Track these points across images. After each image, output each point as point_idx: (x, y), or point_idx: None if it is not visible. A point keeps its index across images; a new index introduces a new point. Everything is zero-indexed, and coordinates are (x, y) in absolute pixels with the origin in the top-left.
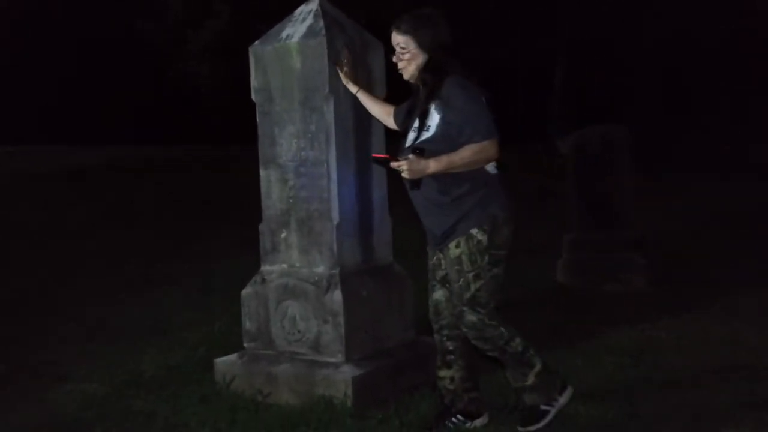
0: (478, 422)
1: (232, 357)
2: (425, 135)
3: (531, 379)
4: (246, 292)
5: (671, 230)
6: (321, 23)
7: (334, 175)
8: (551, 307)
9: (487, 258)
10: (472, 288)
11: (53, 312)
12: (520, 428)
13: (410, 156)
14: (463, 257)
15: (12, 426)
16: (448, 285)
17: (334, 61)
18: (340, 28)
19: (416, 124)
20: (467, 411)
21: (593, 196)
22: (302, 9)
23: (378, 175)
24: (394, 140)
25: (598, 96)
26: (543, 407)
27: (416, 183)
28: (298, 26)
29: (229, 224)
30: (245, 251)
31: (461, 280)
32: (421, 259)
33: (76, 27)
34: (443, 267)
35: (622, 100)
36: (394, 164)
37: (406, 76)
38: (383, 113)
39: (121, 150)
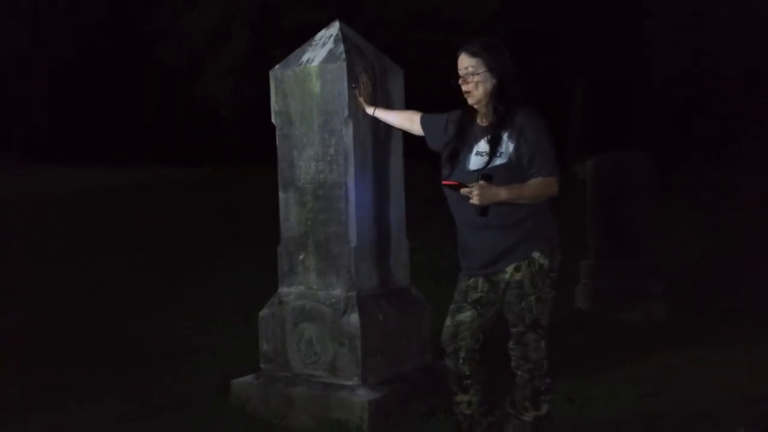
0: None
1: (249, 378)
2: (498, 161)
3: (528, 417)
4: (263, 313)
5: (690, 257)
6: (341, 48)
7: (352, 198)
8: (569, 333)
9: (548, 281)
10: (535, 311)
11: (68, 332)
12: None
13: (481, 182)
14: (525, 281)
15: None
16: (479, 307)
17: (351, 85)
18: (360, 52)
19: (484, 148)
20: None
21: (612, 222)
22: (323, 33)
23: (396, 198)
24: (411, 163)
25: (616, 122)
26: None
27: (485, 210)
28: (318, 51)
29: (247, 245)
30: (263, 272)
31: (523, 302)
32: (439, 283)
33: (96, 47)
34: (480, 289)
35: (641, 127)
36: (465, 190)
37: (471, 100)
38: (405, 120)
39: (138, 171)
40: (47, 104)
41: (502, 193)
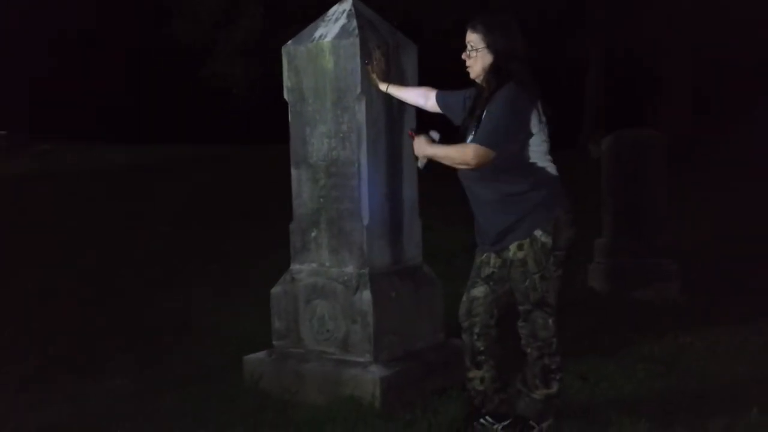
0: (506, 423)
1: (261, 355)
2: None
3: (539, 395)
4: (275, 290)
5: (705, 236)
6: (354, 23)
7: (364, 176)
8: (583, 312)
9: (552, 259)
10: (540, 289)
11: (84, 309)
12: (490, 420)
13: (421, 136)
14: (528, 259)
15: (41, 422)
16: (492, 283)
17: (364, 61)
18: (373, 28)
19: (475, 123)
20: (498, 413)
21: (626, 200)
22: (335, 9)
23: (409, 176)
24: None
25: (630, 100)
26: (531, 423)
27: (426, 165)
28: (331, 26)
29: (259, 223)
30: (275, 250)
31: (527, 281)
32: (452, 262)
33: (109, 26)
34: (492, 265)
35: (655, 104)
36: (411, 138)
37: (472, 74)
38: (419, 96)
39: (151, 149)
40: (58, 82)
41: (429, 150)
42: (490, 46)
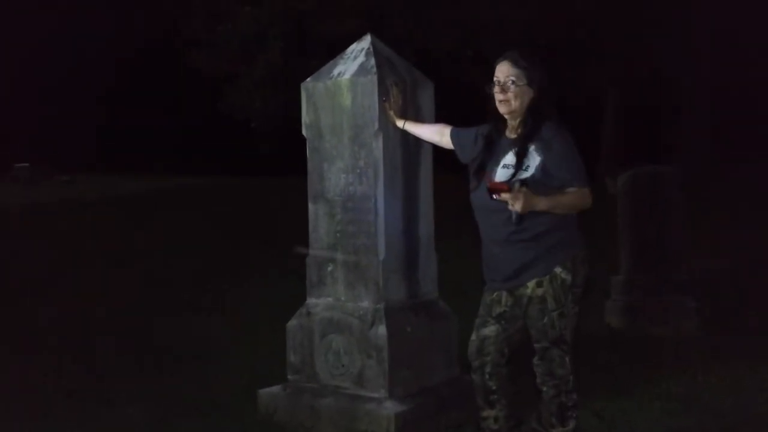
0: None
1: (276, 389)
2: (524, 174)
3: None
4: (291, 324)
5: (724, 273)
6: (372, 61)
7: (381, 211)
8: (600, 348)
9: (570, 296)
10: (558, 326)
11: (98, 336)
12: None
13: (524, 189)
14: (548, 297)
15: None
16: (503, 322)
17: (382, 98)
18: (391, 66)
19: (510, 161)
20: None
21: (643, 237)
22: (354, 47)
23: (425, 212)
24: (440, 176)
25: (647, 135)
26: None
27: (521, 217)
28: (349, 64)
29: (276, 255)
30: (292, 282)
31: (545, 318)
32: (467, 297)
33: (130, 59)
34: (504, 304)
35: (672, 139)
36: (505, 195)
37: (504, 109)
38: (435, 133)
39: (171, 180)
40: (81, 114)
41: (542, 202)
42: (532, 82)
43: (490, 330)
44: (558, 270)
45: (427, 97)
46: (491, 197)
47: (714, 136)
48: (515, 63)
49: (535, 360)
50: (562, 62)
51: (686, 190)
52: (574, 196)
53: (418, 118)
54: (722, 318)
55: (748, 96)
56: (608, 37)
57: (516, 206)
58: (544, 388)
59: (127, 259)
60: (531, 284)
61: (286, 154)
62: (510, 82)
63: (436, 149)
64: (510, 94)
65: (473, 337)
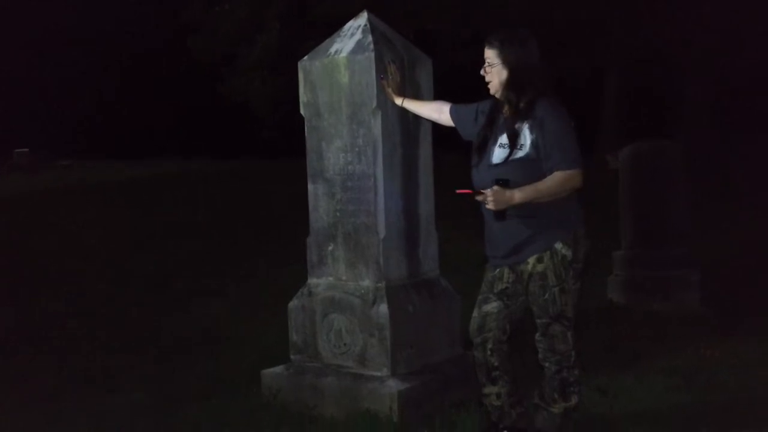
0: None
1: (279, 369)
2: (519, 153)
3: (557, 409)
4: (292, 304)
5: (725, 247)
6: (369, 38)
7: (380, 189)
8: (601, 324)
9: (571, 272)
10: (559, 302)
11: (104, 323)
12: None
13: (495, 187)
14: (548, 272)
15: None
16: (505, 298)
17: (379, 76)
18: (388, 43)
19: (505, 140)
20: (515, 427)
21: (645, 211)
22: (351, 24)
23: (425, 189)
24: (440, 153)
25: (649, 109)
26: None
27: (501, 214)
28: (346, 41)
29: (276, 237)
30: (292, 264)
31: (546, 294)
32: (468, 275)
33: (128, 42)
34: (506, 280)
35: (674, 113)
36: (479, 197)
37: (491, 90)
38: (433, 111)
39: (170, 164)
40: (80, 98)
41: (517, 196)
42: (505, 61)
43: (492, 306)
44: (558, 246)
45: (425, 74)
46: (475, 198)
47: (717, 111)
48: (489, 43)
49: (537, 336)
50: (563, 42)
51: (688, 166)
52: (556, 181)
53: (417, 96)
54: (725, 293)
55: (752, 74)
56: (611, 15)
57: (489, 205)
58: (546, 364)
59: (128, 245)
60: (532, 260)
61: (286, 136)
62: (487, 62)
63: (436, 126)
64: (489, 75)
65: (475, 313)
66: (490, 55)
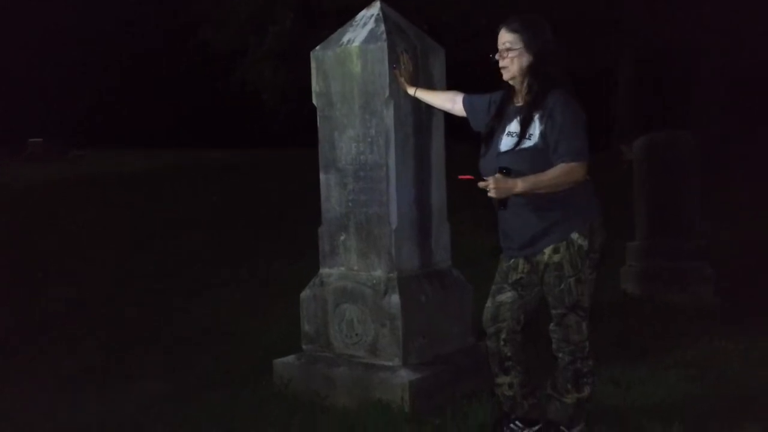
0: (536, 429)
1: (291, 358)
2: (527, 143)
3: (570, 399)
4: (304, 294)
5: (740, 239)
6: (382, 28)
7: (392, 179)
8: (615, 315)
9: (587, 262)
10: (575, 292)
11: (117, 313)
12: (520, 426)
13: (497, 175)
14: (564, 263)
15: (75, 425)
16: (519, 288)
17: (392, 65)
18: (401, 32)
19: (515, 129)
20: (528, 418)
21: (660, 202)
22: (363, 14)
23: (437, 180)
24: (452, 143)
25: (663, 101)
26: (562, 428)
27: (503, 202)
28: (359, 31)
29: (288, 227)
30: (305, 254)
31: (562, 284)
32: (480, 266)
33: (139, 31)
34: (521, 270)
35: (688, 105)
36: (481, 184)
37: (506, 76)
38: (446, 100)
39: (182, 154)
40: (91, 89)
41: (519, 185)
42: (528, 46)
43: (507, 296)
44: (575, 236)
45: (438, 63)
46: (477, 184)
47: (730, 102)
48: (509, 28)
49: (552, 326)
50: (580, 28)
51: (702, 156)
52: (557, 174)
53: (430, 85)
54: (738, 284)
55: (766, 63)
56: (623, 6)
57: (491, 193)
58: (560, 355)
59: (141, 236)
60: (548, 251)
61: (299, 126)
62: (506, 48)
63: (448, 116)
64: (507, 60)
65: (488, 303)
66: (511, 39)
